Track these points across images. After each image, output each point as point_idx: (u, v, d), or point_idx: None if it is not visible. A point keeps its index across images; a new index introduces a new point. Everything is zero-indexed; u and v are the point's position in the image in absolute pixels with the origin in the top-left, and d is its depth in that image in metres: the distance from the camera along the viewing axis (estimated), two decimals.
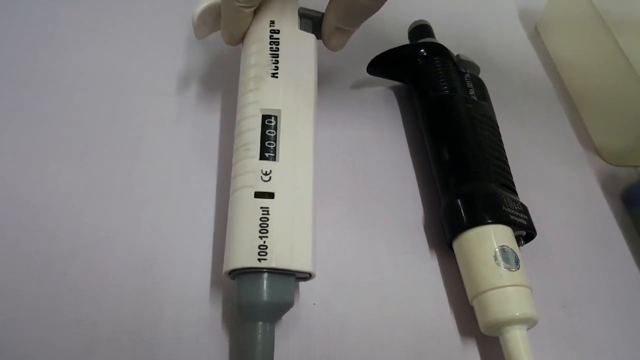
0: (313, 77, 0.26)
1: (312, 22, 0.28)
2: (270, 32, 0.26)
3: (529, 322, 0.24)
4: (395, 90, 0.35)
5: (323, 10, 0.28)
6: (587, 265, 0.29)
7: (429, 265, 0.28)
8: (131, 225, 0.27)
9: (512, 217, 0.26)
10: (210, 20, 0.28)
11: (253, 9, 0.26)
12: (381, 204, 0.30)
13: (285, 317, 0.24)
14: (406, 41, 0.36)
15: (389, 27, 0.36)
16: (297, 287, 0.26)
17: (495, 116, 0.32)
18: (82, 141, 0.30)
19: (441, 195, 0.28)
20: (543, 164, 0.33)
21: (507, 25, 0.42)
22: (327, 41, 0.28)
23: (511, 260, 0.24)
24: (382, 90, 0.35)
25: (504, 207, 0.26)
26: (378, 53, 0.33)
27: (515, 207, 0.27)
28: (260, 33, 0.26)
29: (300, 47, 0.27)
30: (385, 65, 0.34)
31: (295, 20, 0.27)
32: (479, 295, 0.24)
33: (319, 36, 0.28)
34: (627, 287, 0.28)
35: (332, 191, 0.30)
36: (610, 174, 0.33)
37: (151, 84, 0.33)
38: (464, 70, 0.33)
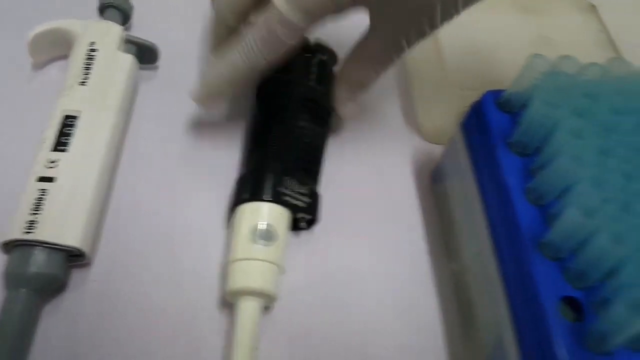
0: (122, 88, 0.32)
1: (135, 47, 0.34)
2: (88, 50, 0.32)
3: (264, 297, 0.26)
4: None
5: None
6: (377, 245, 0.30)
7: (220, 233, 0.29)
8: None
9: (285, 197, 0.27)
10: (46, 44, 0.33)
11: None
12: (198, 170, 0.32)
13: (58, 297, 0.27)
14: None
15: None
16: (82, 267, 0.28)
17: (328, 101, 0.32)
18: None
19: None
20: (365, 141, 0.34)
21: None
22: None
23: (266, 237, 0.26)
24: None
25: (279, 188, 0.27)
26: None
27: (296, 190, 0.28)
28: (80, 51, 0.32)
29: (115, 64, 0.32)
30: None
31: (115, 43, 0.32)
32: (228, 264, 0.26)
33: (143, 59, 0.34)
34: (410, 264, 0.30)
35: (150, 156, 0.32)
36: (428, 152, 0.33)
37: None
38: (311, 55, 0.33)
